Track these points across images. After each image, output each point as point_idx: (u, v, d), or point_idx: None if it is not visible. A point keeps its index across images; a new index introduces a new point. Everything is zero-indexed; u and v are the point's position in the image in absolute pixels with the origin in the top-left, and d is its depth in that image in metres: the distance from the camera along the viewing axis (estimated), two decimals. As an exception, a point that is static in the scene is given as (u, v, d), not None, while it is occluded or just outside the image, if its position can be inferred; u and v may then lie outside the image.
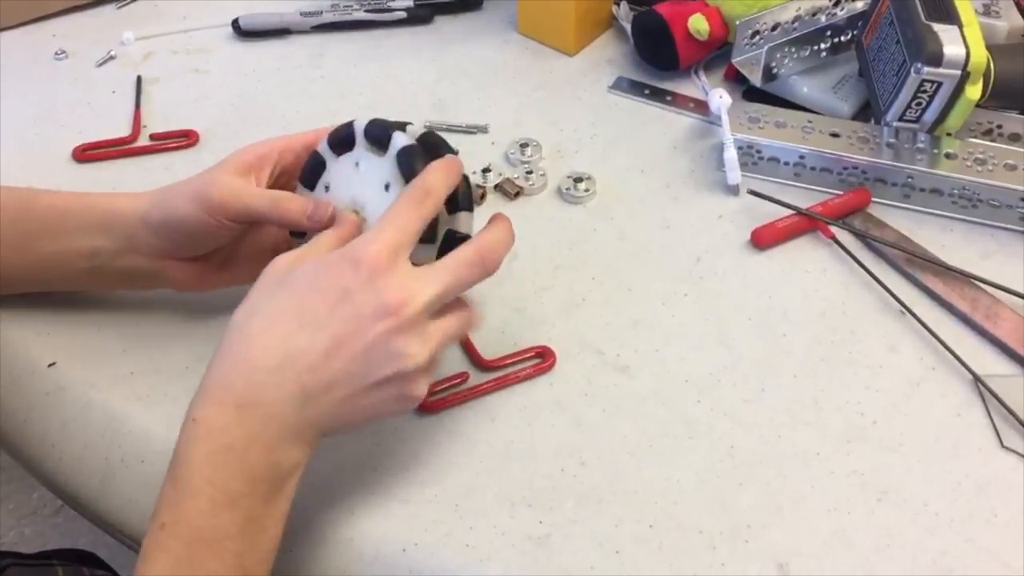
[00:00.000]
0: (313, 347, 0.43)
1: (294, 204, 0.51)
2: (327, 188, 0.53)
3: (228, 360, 0.44)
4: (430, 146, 0.51)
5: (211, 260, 0.56)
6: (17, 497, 1.44)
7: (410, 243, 0.46)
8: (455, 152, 0.51)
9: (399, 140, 0.50)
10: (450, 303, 0.47)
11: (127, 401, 0.57)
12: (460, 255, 0.47)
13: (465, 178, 0.50)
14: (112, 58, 0.83)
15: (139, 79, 0.80)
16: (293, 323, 0.44)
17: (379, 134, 0.51)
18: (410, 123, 0.53)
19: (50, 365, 0.59)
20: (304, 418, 0.44)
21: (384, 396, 0.45)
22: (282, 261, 0.46)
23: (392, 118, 0.68)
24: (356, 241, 0.45)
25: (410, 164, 0.50)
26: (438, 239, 0.50)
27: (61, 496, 0.58)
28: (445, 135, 0.73)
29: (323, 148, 0.53)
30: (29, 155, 0.73)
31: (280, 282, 0.45)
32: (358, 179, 0.52)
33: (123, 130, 0.75)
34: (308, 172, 0.54)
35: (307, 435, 0.45)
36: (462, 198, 0.50)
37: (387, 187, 0.50)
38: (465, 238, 0.50)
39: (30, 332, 0.60)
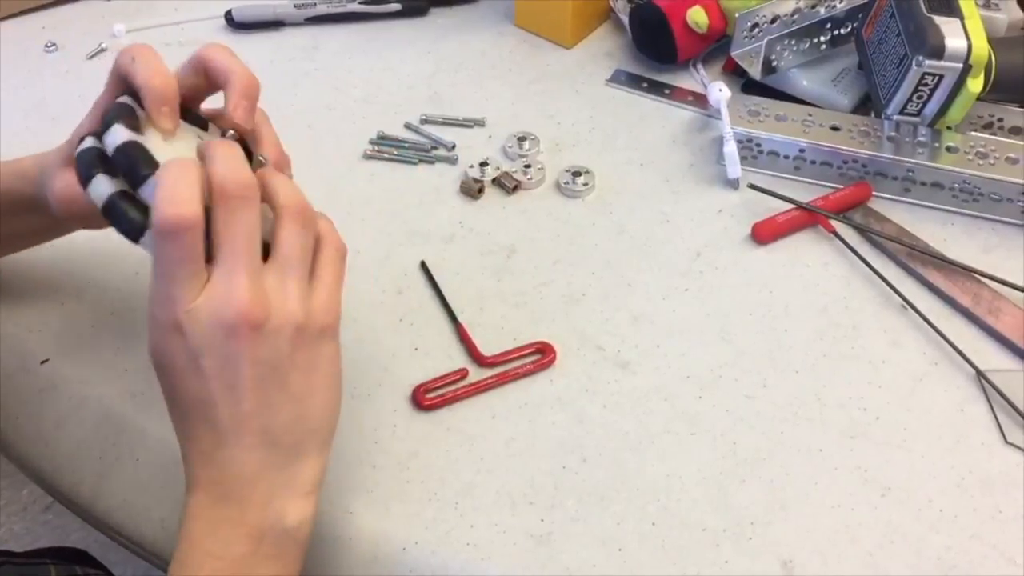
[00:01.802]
0: (229, 402, 0.41)
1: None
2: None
3: (189, 452, 0.42)
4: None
5: None
6: (7, 494, 1.43)
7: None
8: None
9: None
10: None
11: (121, 398, 0.56)
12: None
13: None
14: (103, 51, 0.82)
15: (131, 72, 0.78)
16: (190, 404, 0.41)
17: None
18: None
19: (43, 362, 0.58)
20: (279, 452, 0.42)
21: (305, 358, 0.42)
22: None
23: (388, 112, 0.65)
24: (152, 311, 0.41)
25: (195, 114, 0.47)
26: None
27: (55, 495, 0.57)
28: (442, 128, 0.74)
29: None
30: (20, 148, 0.72)
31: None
32: (176, 146, 0.45)
33: (115, 123, 0.74)
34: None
35: (302, 468, 0.43)
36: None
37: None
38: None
39: (23, 329, 0.59)
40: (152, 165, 0.41)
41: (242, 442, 0.41)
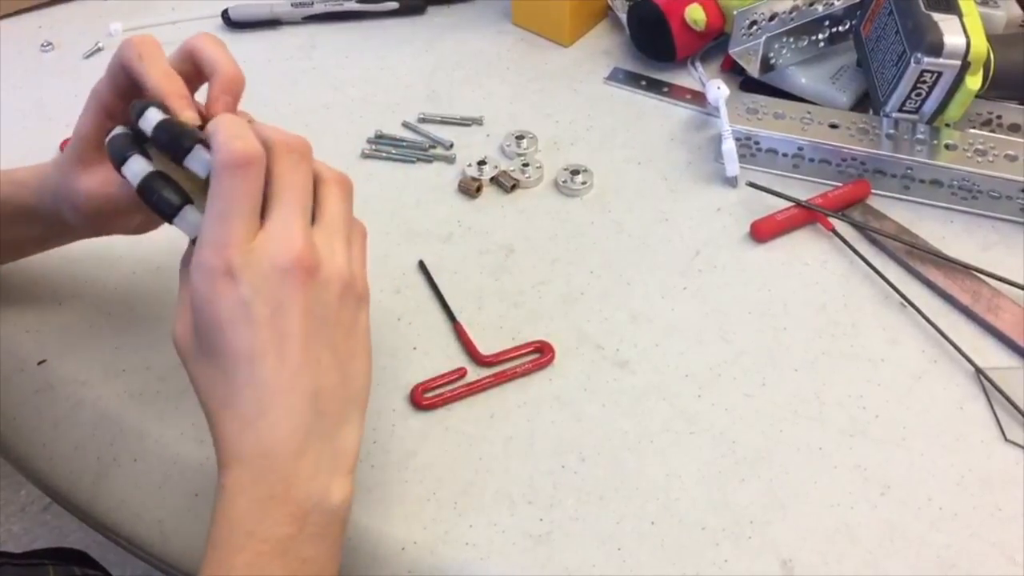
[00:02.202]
0: (276, 355, 0.39)
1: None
2: None
3: (226, 423, 0.40)
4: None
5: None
6: (5, 495, 1.43)
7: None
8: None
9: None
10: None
11: (119, 399, 0.56)
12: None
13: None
14: (100, 50, 0.82)
15: (128, 71, 0.78)
16: (236, 359, 0.39)
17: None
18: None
19: (40, 363, 0.58)
20: (326, 415, 0.40)
21: (349, 316, 0.42)
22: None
23: (386, 111, 0.65)
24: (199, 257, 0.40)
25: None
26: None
27: (52, 496, 0.57)
28: (440, 127, 0.74)
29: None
30: (16, 148, 0.72)
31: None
32: None
33: (112, 123, 0.74)
34: None
35: (343, 453, 0.41)
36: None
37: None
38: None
39: (19, 330, 0.59)
40: (194, 137, 0.42)
41: (290, 404, 0.39)
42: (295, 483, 0.39)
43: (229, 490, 0.39)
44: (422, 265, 0.63)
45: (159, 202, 0.42)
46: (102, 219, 0.52)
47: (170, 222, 0.42)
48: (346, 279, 0.41)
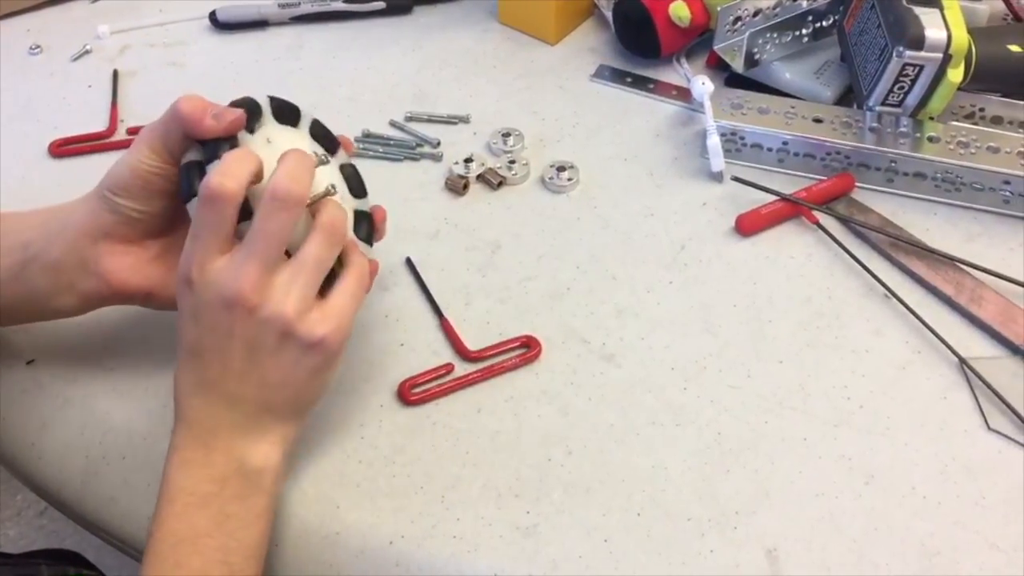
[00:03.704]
0: (214, 360, 0.46)
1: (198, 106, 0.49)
2: None
3: (179, 387, 0.48)
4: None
5: (146, 248, 0.52)
6: (1, 499, 1.43)
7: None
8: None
9: (308, 113, 0.54)
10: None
11: (107, 397, 0.56)
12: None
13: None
14: (88, 52, 0.82)
15: (115, 73, 0.79)
16: (186, 348, 0.47)
17: (287, 108, 0.52)
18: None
19: (29, 363, 0.58)
20: (244, 415, 0.47)
21: (289, 357, 0.46)
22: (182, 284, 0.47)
23: (373, 110, 0.69)
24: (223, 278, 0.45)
25: (327, 134, 0.54)
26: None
27: (42, 495, 0.57)
28: (427, 126, 0.74)
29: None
30: (4, 151, 0.72)
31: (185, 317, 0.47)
32: (276, 151, 0.48)
33: (100, 124, 0.74)
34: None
35: (266, 430, 0.47)
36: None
37: (316, 155, 0.51)
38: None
39: (7, 329, 0.59)
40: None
41: (212, 396, 0.46)
42: (213, 452, 0.46)
43: (172, 444, 0.47)
44: (409, 262, 0.63)
45: (181, 183, 0.48)
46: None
47: (184, 202, 0.48)
48: (288, 321, 0.45)
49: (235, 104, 0.49)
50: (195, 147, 0.48)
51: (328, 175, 0.53)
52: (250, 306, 0.44)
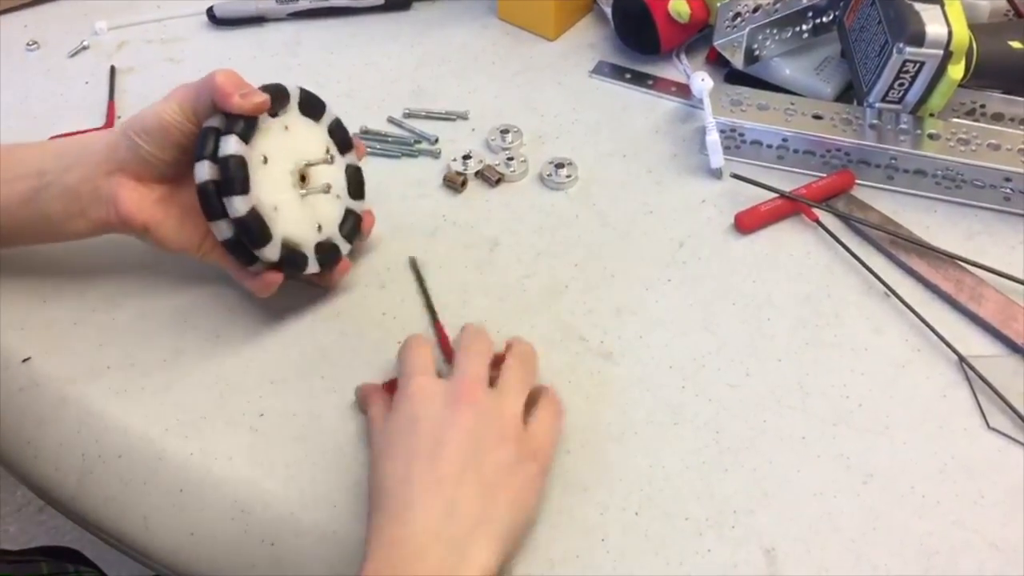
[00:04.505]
0: (427, 464, 0.46)
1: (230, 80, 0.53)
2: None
3: (375, 516, 0.46)
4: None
5: (152, 189, 0.56)
6: (1, 495, 1.43)
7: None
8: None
9: (332, 112, 0.58)
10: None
11: (103, 396, 0.56)
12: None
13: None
14: (85, 48, 0.81)
15: (113, 69, 0.78)
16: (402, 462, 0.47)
17: (313, 102, 0.57)
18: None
19: (24, 360, 0.58)
20: (457, 529, 0.44)
21: (499, 470, 0.46)
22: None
23: (371, 107, 0.71)
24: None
25: (344, 135, 0.59)
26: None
27: (39, 494, 0.57)
28: (425, 122, 0.74)
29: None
30: (1, 148, 0.72)
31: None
32: (291, 139, 0.56)
33: (97, 121, 0.74)
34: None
35: (470, 559, 0.44)
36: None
37: (327, 152, 0.58)
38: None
39: (3, 327, 0.59)
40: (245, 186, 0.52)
41: (430, 504, 0.44)
42: (421, 569, 0.43)
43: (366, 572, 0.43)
44: (413, 263, 0.63)
45: (199, 143, 0.52)
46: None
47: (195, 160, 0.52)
48: (506, 426, 0.48)
49: (265, 88, 0.54)
50: (219, 115, 0.52)
51: (331, 173, 0.58)
52: (473, 400, 0.48)
